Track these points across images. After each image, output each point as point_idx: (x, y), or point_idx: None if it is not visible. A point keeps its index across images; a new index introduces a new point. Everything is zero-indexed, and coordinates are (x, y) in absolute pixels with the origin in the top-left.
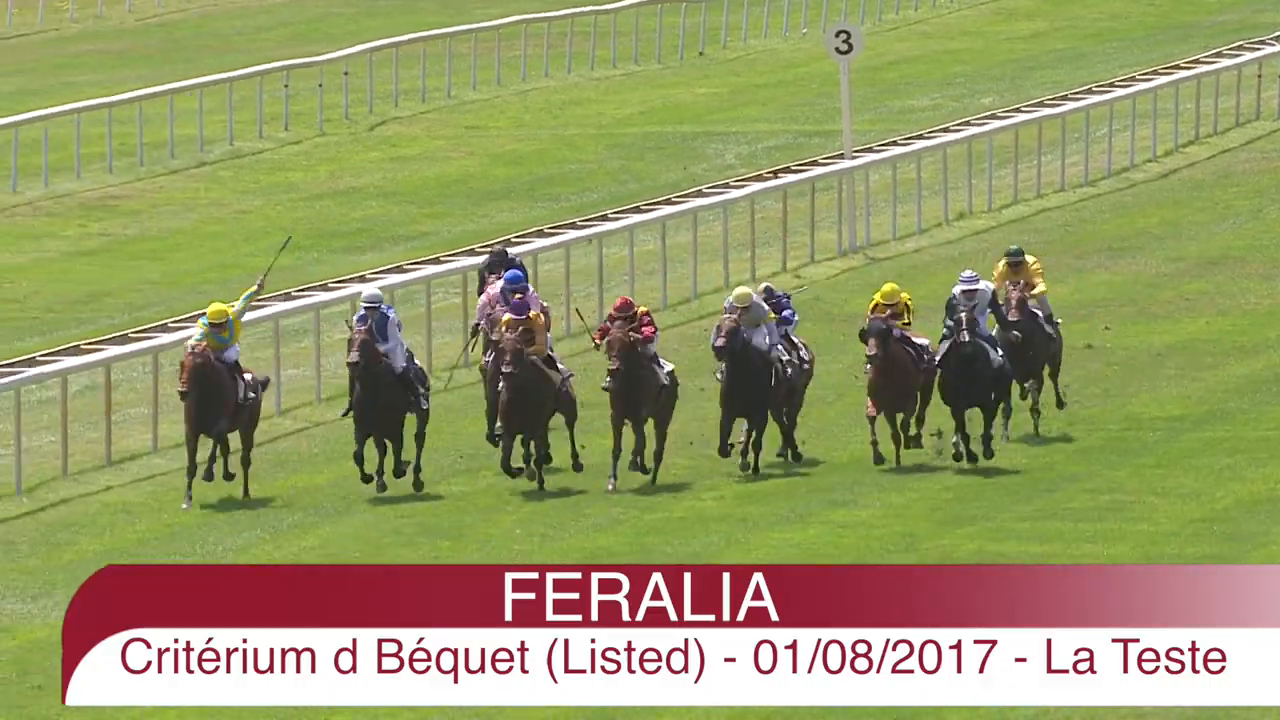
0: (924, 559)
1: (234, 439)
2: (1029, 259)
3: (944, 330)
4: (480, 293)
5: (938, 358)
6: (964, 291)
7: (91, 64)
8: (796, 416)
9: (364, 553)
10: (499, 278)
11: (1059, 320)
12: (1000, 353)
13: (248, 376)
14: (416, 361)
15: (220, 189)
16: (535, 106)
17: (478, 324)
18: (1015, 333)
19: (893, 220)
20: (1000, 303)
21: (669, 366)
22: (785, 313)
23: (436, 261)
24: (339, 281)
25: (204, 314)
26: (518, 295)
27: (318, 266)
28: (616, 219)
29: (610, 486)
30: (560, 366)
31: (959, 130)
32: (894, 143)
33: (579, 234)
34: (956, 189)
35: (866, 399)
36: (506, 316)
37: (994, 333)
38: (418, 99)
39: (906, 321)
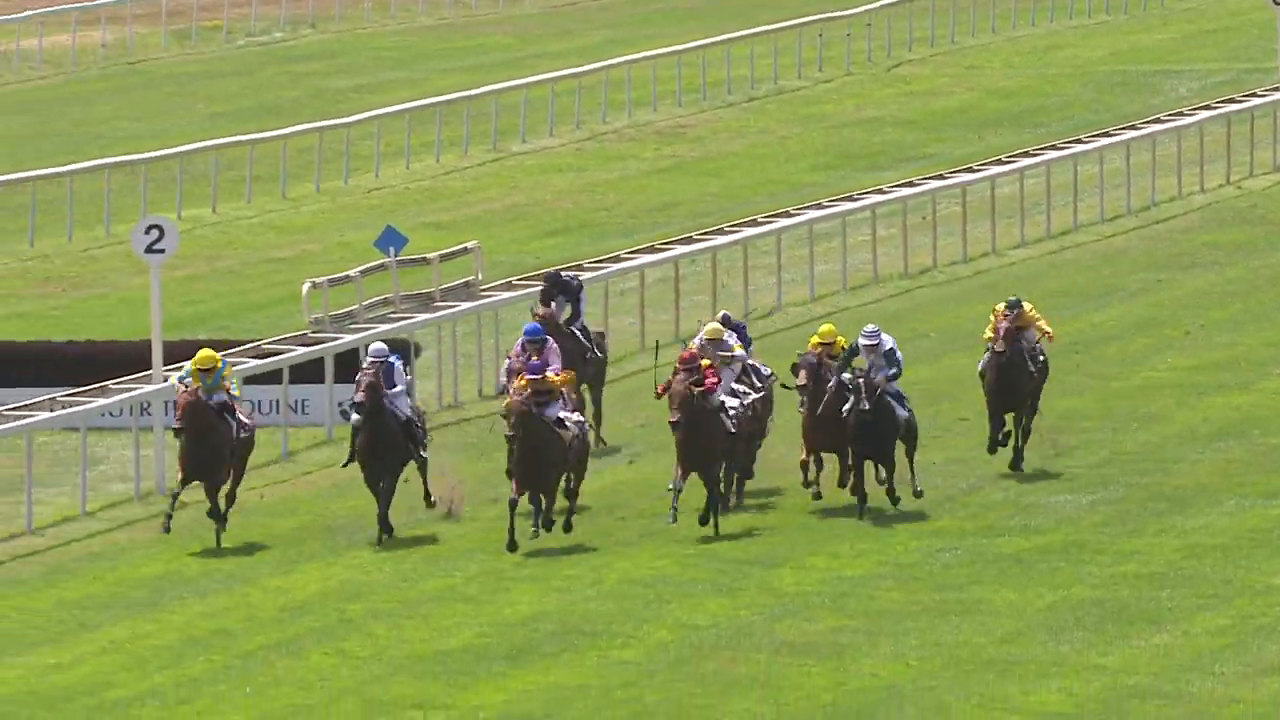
0: None
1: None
2: (1026, 306)
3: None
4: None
5: (844, 411)
6: (866, 346)
7: (664, 18)
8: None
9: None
10: (547, 309)
11: (1044, 359)
12: (905, 406)
13: (241, 416)
14: (420, 412)
15: (766, 119)
16: (1023, 50)
17: (505, 386)
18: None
19: None
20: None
21: (734, 411)
22: (749, 346)
23: (940, 178)
24: (864, 192)
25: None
26: (534, 356)
27: (844, 181)
28: (1088, 142)
29: (671, 519)
30: (570, 423)
31: None
32: None
33: (1057, 154)
34: None
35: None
36: (523, 378)
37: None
38: (927, 44)
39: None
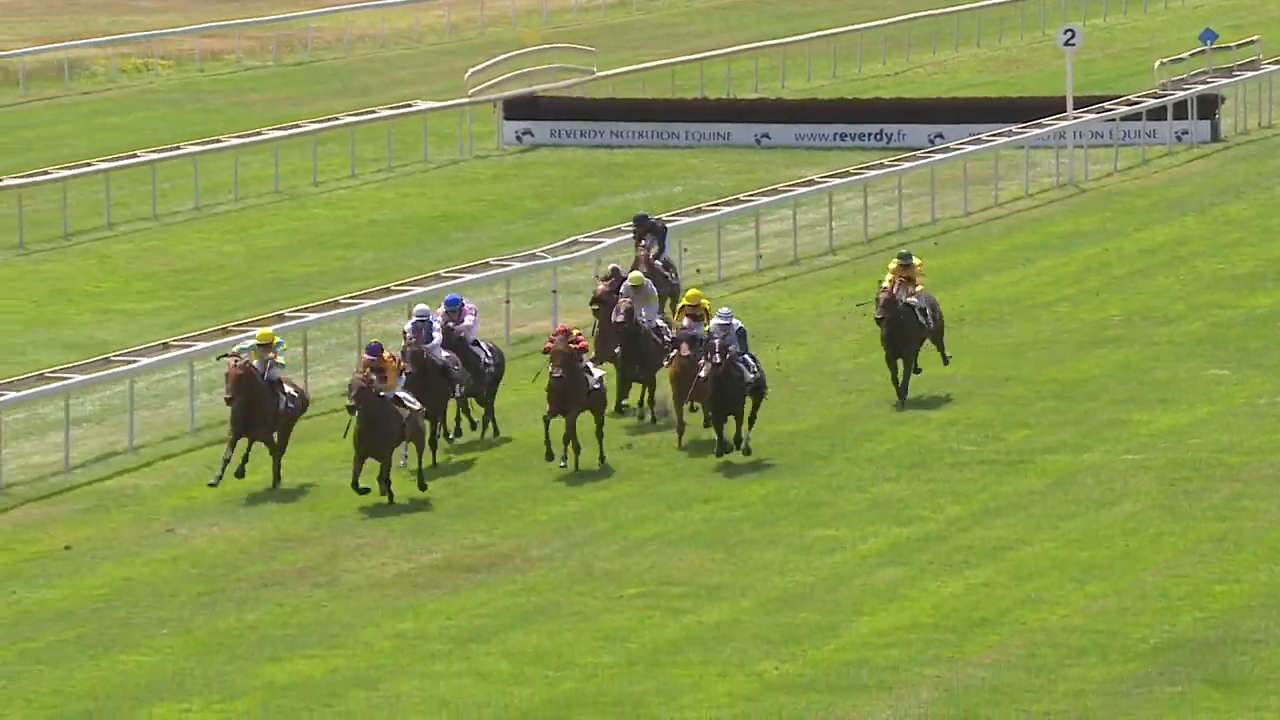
0: None
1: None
2: (915, 261)
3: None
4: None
5: (701, 374)
6: (720, 325)
7: None
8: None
9: None
10: (644, 244)
11: (938, 303)
12: (754, 369)
13: (288, 389)
14: (456, 361)
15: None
16: None
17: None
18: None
19: None
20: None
21: (599, 373)
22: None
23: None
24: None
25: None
26: (451, 321)
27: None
28: None
29: (563, 464)
30: (408, 402)
31: None
32: None
33: None
34: None
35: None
36: (365, 357)
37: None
38: None
39: (707, 328)
